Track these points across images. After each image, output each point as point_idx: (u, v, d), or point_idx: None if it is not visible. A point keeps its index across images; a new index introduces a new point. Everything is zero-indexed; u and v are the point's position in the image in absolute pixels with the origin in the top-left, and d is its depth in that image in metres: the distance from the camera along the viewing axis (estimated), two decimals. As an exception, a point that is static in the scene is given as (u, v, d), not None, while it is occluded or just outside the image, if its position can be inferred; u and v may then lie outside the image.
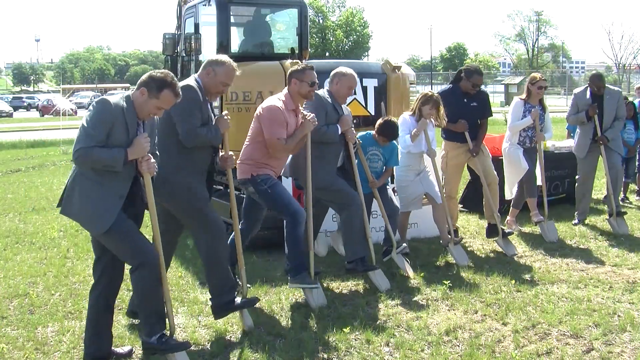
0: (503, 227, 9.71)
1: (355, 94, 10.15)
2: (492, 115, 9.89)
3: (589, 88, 10.92)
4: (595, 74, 11.15)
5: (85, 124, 5.29)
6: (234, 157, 6.65)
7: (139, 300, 5.71)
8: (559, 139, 11.96)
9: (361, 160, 8.27)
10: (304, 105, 7.58)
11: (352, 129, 7.95)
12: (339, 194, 7.82)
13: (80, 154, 5.22)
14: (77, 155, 5.23)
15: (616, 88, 11.59)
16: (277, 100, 7.27)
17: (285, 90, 7.42)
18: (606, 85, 11.00)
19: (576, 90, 11.44)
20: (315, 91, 7.60)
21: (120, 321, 6.75)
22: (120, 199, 5.44)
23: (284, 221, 7.33)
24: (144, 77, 5.53)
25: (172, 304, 5.98)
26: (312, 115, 7.35)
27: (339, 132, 7.78)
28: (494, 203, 9.67)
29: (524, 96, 10.28)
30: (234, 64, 6.47)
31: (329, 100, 7.84)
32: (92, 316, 5.79)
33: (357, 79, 8.12)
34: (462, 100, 9.63)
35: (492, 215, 9.73)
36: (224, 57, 6.50)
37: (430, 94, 8.98)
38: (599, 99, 10.80)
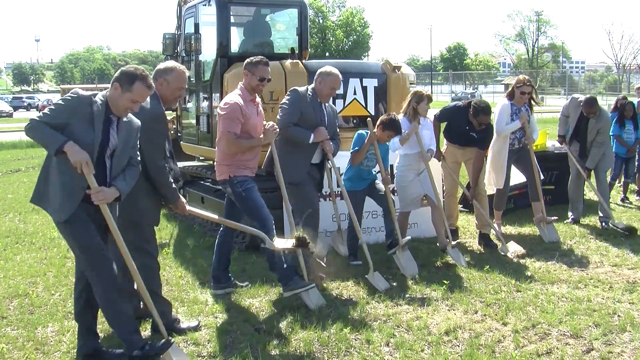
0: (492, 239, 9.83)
1: (355, 94, 10.17)
2: (486, 149, 9.83)
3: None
4: (588, 99, 11.06)
5: (52, 104, 5.42)
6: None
7: (105, 317, 5.78)
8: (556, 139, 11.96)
9: (377, 157, 8.33)
10: (285, 98, 7.72)
11: (329, 140, 7.93)
12: (299, 197, 7.88)
13: (30, 124, 5.30)
14: (28, 124, 5.31)
15: (606, 113, 11.43)
16: (234, 95, 7.32)
17: (241, 84, 7.48)
18: (600, 109, 10.99)
19: (576, 95, 11.56)
20: (298, 88, 7.77)
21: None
22: (82, 190, 5.39)
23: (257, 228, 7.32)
24: (116, 74, 5.58)
25: (158, 308, 5.99)
26: (271, 124, 7.41)
27: (311, 140, 7.80)
28: (485, 212, 9.76)
29: (506, 97, 10.19)
30: (182, 67, 6.46)
31: (310, 97, 7.88)
32: (76, 311, 5.93)
33: (342, 80, 8.05)
34: (464, 127, 9.62)
35: (483, 224, 9.77)
36: (171, 64, 6.47)
37: (420, 92, 8.99)
38: (584, 124, 11.01)
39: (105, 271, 5.56)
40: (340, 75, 7.98)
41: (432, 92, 69.35)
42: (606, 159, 11.22)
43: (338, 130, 8.40)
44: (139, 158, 5.86)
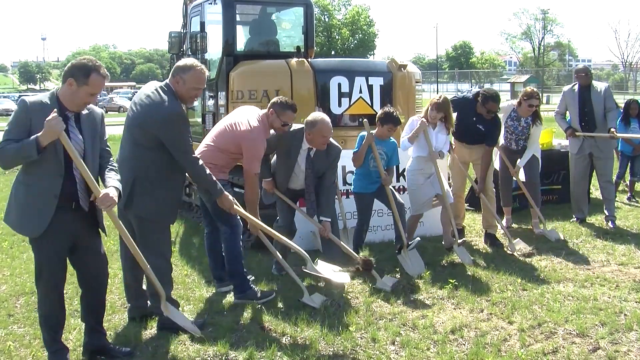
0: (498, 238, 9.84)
1: (361, 92, 10.16)
2: (494, 144, 9.82)
3: (577, 84, 10.99)
4: (578, 67, 11.37)
5: (6, 126, 5.26)
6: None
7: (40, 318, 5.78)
8: (563, 137, 11.95)
9: (375, 158, 8.32)
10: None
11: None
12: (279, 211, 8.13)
13: None
14: None
15: (603, 83, 11.64)
16: (260, 130, 7.29)
17: (264, 113, 7.49)
18: (593, 81, 11.02)
19: (565, 88, 11.49)
20: (295, 129, 7.81)
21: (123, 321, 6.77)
22: (55, 198, 5.28)
23: (224, 233, 7.38)
24: (66, 69, 5.40)
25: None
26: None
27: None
28: (492, 212, 9.76)
29: (515, 103, 10.22)
30: (202, 67, 6.36)
31: (296, 141, 7.89)
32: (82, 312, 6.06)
33: (330, 126, 7.78)
34: (472, 118, 9.62)
35: (490, 225, 9.78)
36: (190, 62, 6.38)
37: (436, 101, 8.97)
38: (587, 94, 10.86)
39: (48, 298, 5.60)
40: (327, 121, 7.74)
41: (437, 90, 69.37)
42: (609, 163, 11.24)
43: (333, 176, 8.22)
44: (108, 148, 5.74)
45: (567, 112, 11.21)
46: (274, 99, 7.58)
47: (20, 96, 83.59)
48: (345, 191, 9.38)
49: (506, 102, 10.64)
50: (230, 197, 6.68)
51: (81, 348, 5.97)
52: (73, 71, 5.32)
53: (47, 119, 5.05)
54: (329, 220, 7.95)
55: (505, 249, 9.44)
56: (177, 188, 6.45)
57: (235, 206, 6.72)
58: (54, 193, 5.30)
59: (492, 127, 9.62)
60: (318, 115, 7.84)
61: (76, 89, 5.30)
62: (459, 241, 8.98)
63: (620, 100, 15.04)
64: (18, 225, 5.46)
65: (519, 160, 10.26)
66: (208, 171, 6.44)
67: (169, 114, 6.01)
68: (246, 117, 7.36)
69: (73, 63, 5.41)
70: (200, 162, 6.38)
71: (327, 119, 7.76)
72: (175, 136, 6.08)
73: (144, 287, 6.59)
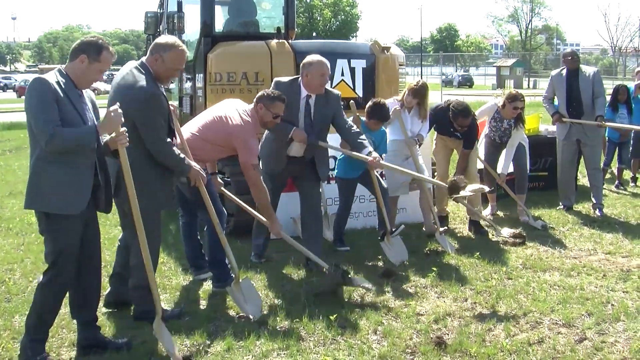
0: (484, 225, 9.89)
1: (343, 75, 10.15)
2: (471, 148, 9.76)
3: (565, 68, 11.00)
4: (566, 51, 11.56)
5: (34, 110, 5.18)
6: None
7: (34, 309, 5.61)
8: (550, 123, 12.00)
9: None
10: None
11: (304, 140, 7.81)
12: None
13: (51, 141, 5.08)
14: (49, 144, 5.10)
15: (592, 67, 11.64)
16: (251, 125, 7.25)
17: (252, 108, 7.41)
18: (582, 65, 11.06)
19: (553, 72, 11.52)
20: (281, 79, 7.80)
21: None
22: (92, 170, 5.40)
23: (207, 221, 7.24)
24: (76, 45, 5.45)
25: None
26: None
27: (289, 137, 7.77)
28: (476, 200, 9.82)
29: (499, 104, 10.30)
30: (183, 47, 6.27)
31: (293, 90, 7.81)
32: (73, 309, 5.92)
33: (327, 64, 7.80)
34: (449, 128, 9.67)
35: (473, 211, 9.82)
36: (171, 40, 6.27)
37: (413, 86, 9.02)
38: (574, 79, 10.86)
39: (57, 294, 5.55)
40: (324, 60, 7.80)
41: (421, 74, 69.43)
42: (597, 150, 11.32)
43: (345, 118, 8.09)
44: None
45: (555, 97, 11.24)
46: (260, 93, 7.47)
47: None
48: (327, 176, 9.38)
49: (490, 102, 10.69)
50: (200, 169, 6.59)
51: (53, 340, 5.93)
52: (84, 47, 5.39)
53: (109, 110, 5.26)
54: (372, 149, 7.91)
55: (490, 237, 9.48)
56: (167, 172, 6.35)
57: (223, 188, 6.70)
58: (91, 165, 5.39)
59: (469, 133, 9.64)
60: (313, 55, 7.86)
61: (88, 66, 5.37)
62: (441, 229, 9.01)
63: (609, 85, 15.10)
64: (63, 205, 5.34)
65: (501, 157, 10.40)
66: (177, 151, 6.28)
67: (143, 93, 5.94)
68: (236, 111, 7.29)
69: (83, 40, 5.49)
70: (169, 144, 6.21)
71: (324, 58, 7.80)
72: (145, 116, 5.98)
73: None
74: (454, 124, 9.44)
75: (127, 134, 5.42)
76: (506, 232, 9.40)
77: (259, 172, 7.23)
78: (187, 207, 7.67)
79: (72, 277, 5.57)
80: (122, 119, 5.33)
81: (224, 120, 7.22)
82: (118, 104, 5.40)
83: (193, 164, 6.51)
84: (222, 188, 7.54)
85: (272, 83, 7.97)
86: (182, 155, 6.33)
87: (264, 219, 7.39)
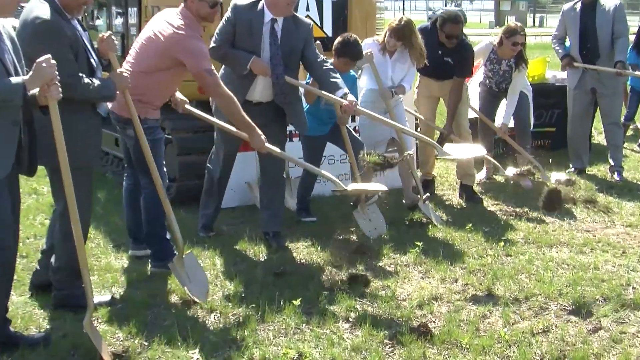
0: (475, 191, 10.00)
1: (308, 10, 10.07)
2: (466, 76, 9.85)
3: (579, 1, 10.89)
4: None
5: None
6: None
7: None
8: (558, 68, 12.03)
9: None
10: None
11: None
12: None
13: (72, 84, 5.63)
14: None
15: (613, 0, 11.02)
16: (187, 25, 7.00)
17: (181, 7, 7.16)
18: None
19: (565, 6, 11.40)
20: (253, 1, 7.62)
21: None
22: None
23: (144, 187, 7.19)
24: None
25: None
26: None
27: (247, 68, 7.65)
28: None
29: (495, 42, 10.30)
30: None
31: (255, 13, 7.67)
32: None
33: None
34: (437, 52, 9.52)
35: (466, 174, 9.82)
36: None
37: (394, 25, 8.96)
38: (591, 14, 10.76)
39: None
40: None
41: (404, 9, 69.21)
42: (617, 101, 11.30)
43: (317, 52, 8.00)
44: None
45: (567, 36, 11.20)
46: None
47: None
48: (288, 132, 9.33)
49: (484, 41, 10.66)
50: (123, 71, 6.51)
51: None
52: None
53: (39, 61, 5.19)
54: (347, 91, 7.83)
55: (484, 205, 9.52)
56: (95, 124, 6.30)
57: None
58: (16, 122, 5.36)
59: (462, 55, 9.58)
60: None
61: None
62: (424, 197, 8.98)
63: (634, 23, 15.13)
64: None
65: (500, 106, 10.43)
66: (87, 81, 5.99)
67: (38, 24, 5.79)
68: (164, 22, 7.06)
69: None
70: (77, 78, 5.96)
71: None
72: (46, 50, 5.74)
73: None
74: (443, 33, 9.38)
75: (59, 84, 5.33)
76: (511, 171, 9.44)
77: (216, 77, 7.03)
78: (133, 170, 7.46)
79: (15, 252, 5.64)
80: (56, 72, 5.22)
81: (153, 39, 7.03)
82: (49, 55, 5.24)
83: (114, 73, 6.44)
84: (187, 106, 7.48)
85: (229, 8, 7.74)
86: (96, 82, 6.11)
87: (243, 134, 7.30)
